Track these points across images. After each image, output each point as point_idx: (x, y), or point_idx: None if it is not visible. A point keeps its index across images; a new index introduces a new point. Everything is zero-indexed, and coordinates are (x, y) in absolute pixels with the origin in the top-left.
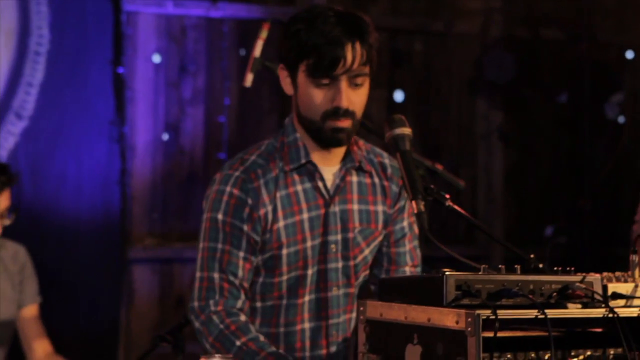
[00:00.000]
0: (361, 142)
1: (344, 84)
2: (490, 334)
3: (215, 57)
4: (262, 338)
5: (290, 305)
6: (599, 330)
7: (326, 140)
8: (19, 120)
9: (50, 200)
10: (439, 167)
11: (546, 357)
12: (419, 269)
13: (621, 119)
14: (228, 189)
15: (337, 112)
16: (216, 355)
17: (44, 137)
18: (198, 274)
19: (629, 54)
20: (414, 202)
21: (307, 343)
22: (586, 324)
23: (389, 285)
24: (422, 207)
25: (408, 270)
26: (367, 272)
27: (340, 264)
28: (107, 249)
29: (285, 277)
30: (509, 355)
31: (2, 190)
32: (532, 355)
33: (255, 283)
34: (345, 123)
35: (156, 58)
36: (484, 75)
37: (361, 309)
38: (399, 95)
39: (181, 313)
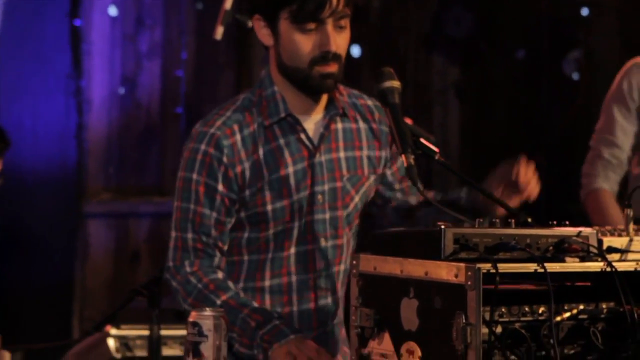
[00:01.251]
0: (341, 87)
1: (330, 27)
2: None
3: (173, 11)
4: (242, 294)
5: (276, 258)
6: (589, 284)
7: (314, 87)
8: None
9: (7, 152)
10: (409, 121)
11: (540, 310)
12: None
13: (575, 76)
14: (202, 147)
15: (326, 57)
16: (207, 308)
17: (0, 89)
18: (172, 234)
19: (584, 11)
20: (403, 156)
21: (295, 297)
22: (576, 278)
23: (382, 239)
24: (412, 161)
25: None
26: (357, 221)
27: (327, 215)
28: (63, 203)
29: (271, 232)
30: (503, 309)
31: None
32: (526, 309)
33: (241, 238)
34: (334, 67)
35: (113, 11)
36: (441, 31)
37: (354, 262)
38: (355, 51)
39: (136, 268)
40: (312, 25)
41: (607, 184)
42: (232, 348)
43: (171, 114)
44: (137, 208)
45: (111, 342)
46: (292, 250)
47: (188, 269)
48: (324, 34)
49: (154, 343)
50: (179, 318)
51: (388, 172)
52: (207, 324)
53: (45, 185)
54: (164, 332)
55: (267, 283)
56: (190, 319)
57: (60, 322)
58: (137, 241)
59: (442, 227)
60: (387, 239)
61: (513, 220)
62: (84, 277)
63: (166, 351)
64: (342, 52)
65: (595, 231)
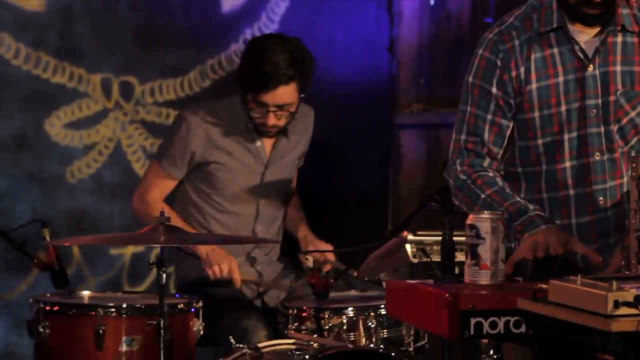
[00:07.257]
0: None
1: None
2: None
3: None
4: (507, 189)
5: (550, 171)
6: None
7: (578, 20)
8: None
9: (320, 65)
10: None
11: None
12: None
13: None
14: (480, 51)
15: (591, 1)
16: (485, 211)
17: (312, 2)
18: (453, 136)
19: None
20: None
21: (573, 209)
22: None
23: None
24: None
25: None
26: (638, 136)
27: (602, 129)
28: (375, 114)
29: (540, 142)
30: None
31: (281, 84)
32: None
33: (514, 147)
34: (597, 10)
35: None
36: None
37: (633, 165)
38: None
39: None
40: None
41: None
42: None
43: (481, 23)
44: (447, 118)
45: (408, 247)
46: (567, 164)
47: (459, 167)
48: None
49: (447, 248)
50: None
51: None
52: (485, 227)
53: (358, 96)
54: (457, 238)
55: (544, 195)
56: (468, 222)
57: (376, 230)
58: (448, 151)
59: None
60: None
61: None
62: (397, 185)
63: (460, 256)
64: None
65: None
